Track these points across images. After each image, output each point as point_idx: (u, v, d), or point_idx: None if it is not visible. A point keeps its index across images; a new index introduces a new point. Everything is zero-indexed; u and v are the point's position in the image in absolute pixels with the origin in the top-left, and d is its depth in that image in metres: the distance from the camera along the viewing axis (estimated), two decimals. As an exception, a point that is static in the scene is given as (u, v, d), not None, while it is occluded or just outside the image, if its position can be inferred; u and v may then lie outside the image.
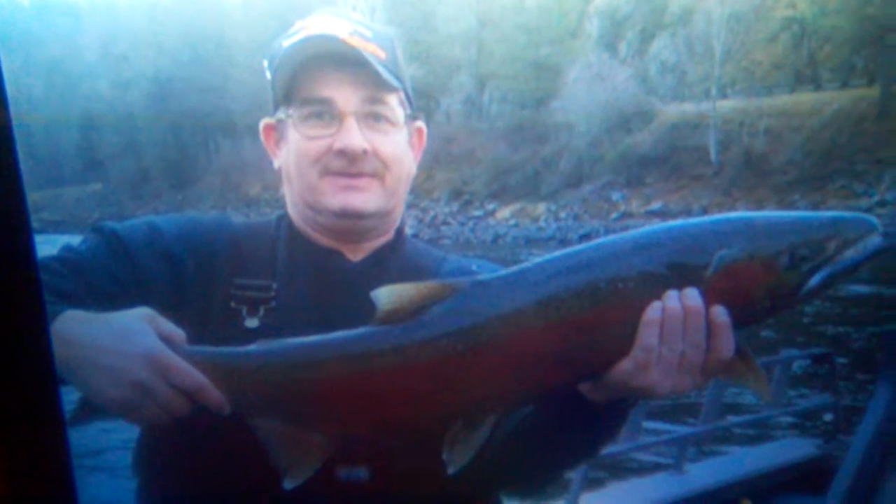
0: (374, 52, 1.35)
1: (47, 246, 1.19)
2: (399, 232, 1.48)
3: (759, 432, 7.09)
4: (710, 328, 1.12)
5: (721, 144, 37.24)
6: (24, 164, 0.57)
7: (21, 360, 0.56)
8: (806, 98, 38.14)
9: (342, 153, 1.34)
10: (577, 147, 39.63)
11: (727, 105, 38.51)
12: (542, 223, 39.03)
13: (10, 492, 0.54)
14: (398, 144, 1.40)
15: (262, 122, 1.46)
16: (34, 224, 0.60)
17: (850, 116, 35.03)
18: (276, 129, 1.43)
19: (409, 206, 1.53)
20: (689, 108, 39.92)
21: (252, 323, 1.32)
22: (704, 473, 5.41)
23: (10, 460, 0.55)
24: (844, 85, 37.49)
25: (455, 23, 42.54)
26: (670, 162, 38.31)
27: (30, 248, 0.56)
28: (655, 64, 42.04)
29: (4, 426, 0.55)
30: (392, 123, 1.38)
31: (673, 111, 40.79)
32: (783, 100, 38.27)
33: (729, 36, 38.02)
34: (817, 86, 38.59)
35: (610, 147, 39.46)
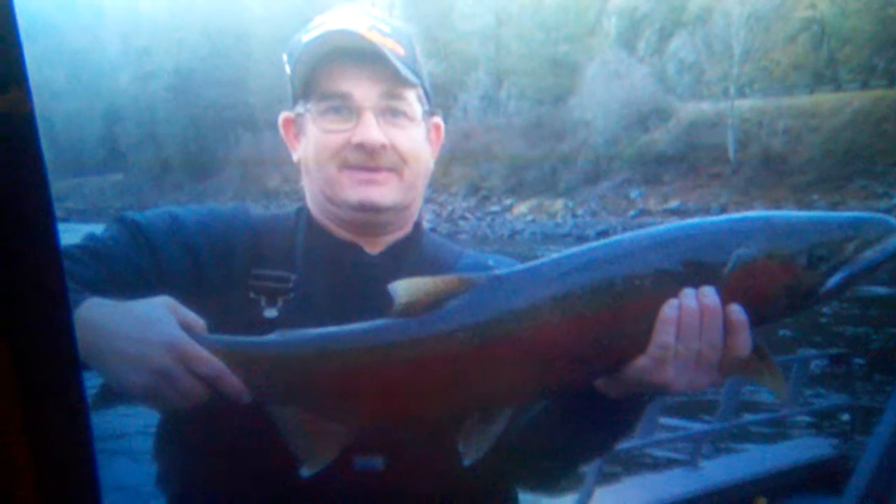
0: (392, 47, 1.35)
1: (70, 234, 1.20)
2: (417, 226, 1.49)
3: (776, 431, 7.06)
4: (727, 326, 1.12)
5: (739, 143, 37.02)
6: (48, 154, 0.58)
7: (45, 345, 0.57)
8: (825, 98, 37.84)
9: (361, 147, 1.34)
10: (594, 144, 39.50)
11: (745, 104, 38.27)
12: (559, 219, 38.93)
13: (35, 473, 0.56)
14: (416, 139, 1.41)
15: (282, 116, 1.48)
16: (58, 213, 0.61)
17: (870, 117, 34.74)
18: (296, 123, 1.44)
19: (427, 200, 1.54)
20: (707, 106, 39.69)
21: (271, 313, 1.33)
22: (720, 470, 5.40)
23: (35, 443, 0.56)
24: (864, 86, 37.17)
25: (473, 19, 42.49)
26: (688, 160, 38.12)
27: (53, 236, 0.57)
28: (674, 62, 41.83)
29: (30, 410, 0.56)
30: (410, 119, 1.39)
31: (691, 110, 40.57)
32: (802, 100, 37.98)
33: (748, 35, 37.78)
34: (837, 86, 38.28)
35: (628, 145, 39.32)
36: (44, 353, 0.56)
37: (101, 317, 1.11)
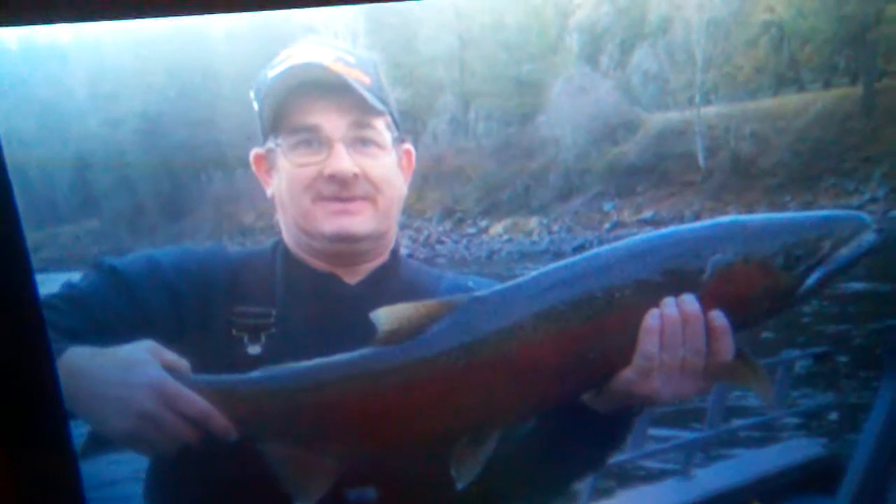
0: (358, 77, 1.36)
1: (49, 285, 1.20)
2: (394, 253, 1.49)
3: (766, 434, 7.06)
4: (709, 332, 1.13)
5: (708, 150, 37.22)
6: (21, 205, 0.58)
7: (31, 395, 0.57)
8: (790, 100, 38.12)
9: (333, 178, 1.35)
10: (564, 160, 39.56)
11: (712, 111, 38.49)
12: (535, 237, 38.87)
13: (25, 528, 0.55)
14: (388, 167, 1.41)
15: (252, 153, 1.47)
16: (34, 264, 0.61)
17: (835, 115, 35.06)
18: (267, 159, 1.44)
19: (402, 226, 1.55)
20: (674, 115, 39.87)
21: (254, 350, 1.33)
22: (713, 477, 5.40)
23: (25, 494, 0.55)
24: (827, 85, 37.49)
25: (436, 43, 42.58)
26: (659, 170, 38.25)
27: (32, 287, 0.57)
28: (637, 74, 42.06)
29: (18, 460, 0.55)
30: (380, 147, 1.40)
31: (658, 120, 40.75)
32: (767, 103, 38.25)
33: (709, 42, 38.10)
34: (800, 87, 38.59)
35: (598, 158, 39.41)
36: (30, 404, 0.56)
37: (83, 363, 1.10)
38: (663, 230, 1.22)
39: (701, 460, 5.69)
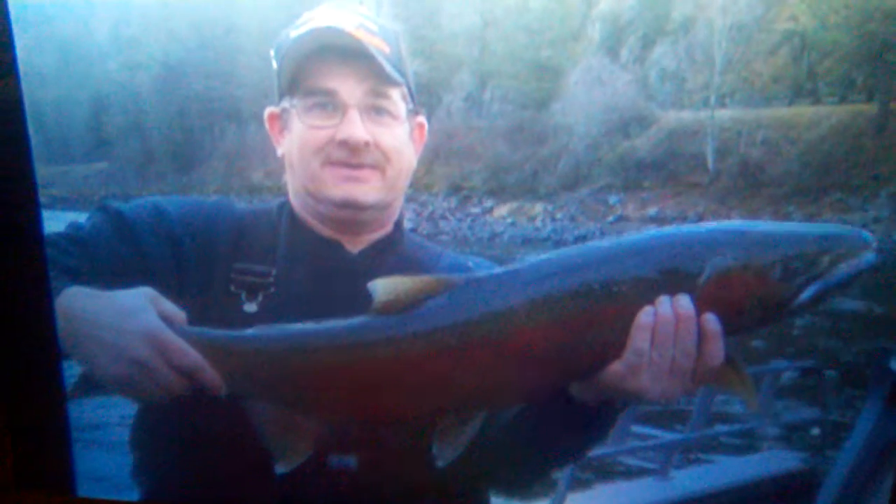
0: (378, 46, 1.36)
1: (54, 222, 1.20)
2: (398, 225, 1.50)
3: (746, 442, 7.10)
4: (700, 335, 1.13)
5: (718, 153, 37.14)
6: (35, 141, 0.58)
7: (26, 332, 0.58)
8: (804, 111, 37.99)
9: (344, 144, 1.35)
10: (575, 149, 39.49)
11: (725, 114, 38.39)
12: (538, 223, 38.88)
13: (11, 460, 0.56)
14: (399, 138, 1.41)
15: (267, 111, 1.47)
16: (42, 200, 0.61)
17: (847, 131, 34.95)
18: (281, 118, 1.44)
19: (408, 199, 1.55)
20: (688, 115, 39.77)
21: (251, 308, 1.33)
22: (690, 480, 5.44)
23: (12, 429, 0.56)
24: (843, 100, 37.36)
25: (459, 20, 42.38)
26: (667, 168, 38.20)
27: (38, 223, 0.57)
28: (656, 70, 41.89)
29: (8, 396, 0.56)
30: (394, 117, 1.39)
31: (671, 118, 40.64)
32: (781, 112, 38.13)
33: (730, 46, 37.90)
34: (816, 99, 38.45)
35: (608, 151, 39.36)
36: (24, 340, 0.56)
37: (81, 305, 1.11)
38: (665, 229, 1.22)
39: (680, 462, 5.74)
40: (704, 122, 38.13)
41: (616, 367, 1.14)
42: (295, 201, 1.45)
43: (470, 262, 1.48)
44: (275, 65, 1.43)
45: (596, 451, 4.36)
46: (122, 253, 1.30)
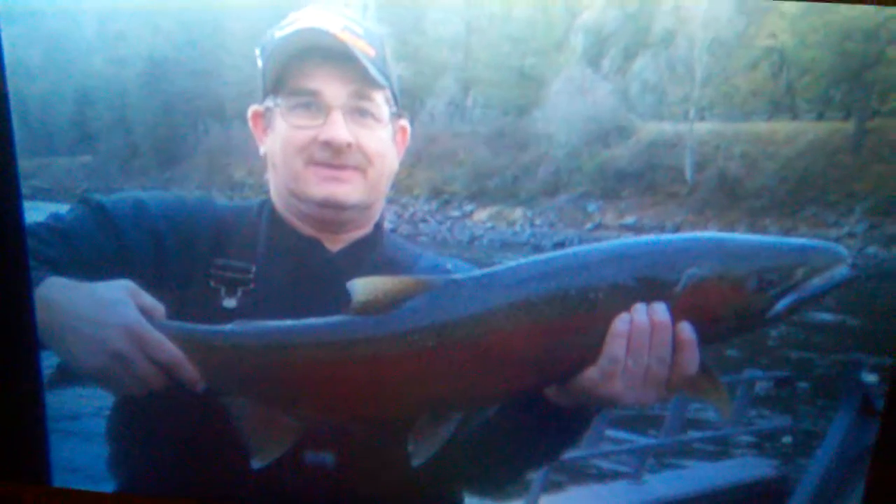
0: (363, 48, 1.36)
1: (35, 213, 1.20)
2: (378, 226, 1.50)
3: (719, 449, 7.14)
4: (675, 343, 1.14)
5: (697, 165, 37.31)
6: (18, 132, 0.59)
7: (4, 321, 0.58)
8: (782, 127, 38.24)
9: (327, 144, 1.35)
10: (555, 157, 39.55)
11: (704, 127, 38.58)
12: (517, 228, 38.90)
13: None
14: (382, 140, 1.42)
15: (251, 109, 1.48)
16: (24, 191, 0.61)
17: (824, 148, 35.21)
18: (264, 117, 1.44)
19: (389, 201, 1.55)
20: (668, 127, 39.92)
21: (230, 303, 1.34)
22: (663, 485, 5.47)
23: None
24: (821, 117, 37.61)
25: (444, 26, 42.37)
26: (646, 178, 38.33)
27: (19, 213, 0.57)
28: (637, 82, 42.03)
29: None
30: (377, 119, 1.40)
31: (651, 129, 40.78)
32: (760, 126, 38.35)
33: (710, 60, 38.11)
34: (794, 115, 38.68)
35: (588, 159, 39.45)
36: (2, 330, 0.56)
37: (60, 296, 1.11)
38: (643, 237, 1.23)
39: (653, 466, 5.76)
40: (684, 135, 38.30)
41: (591, 372, 1.15)
42: (276, 199, 1.46)
43: (449, 264, 1.49)
44: (260, 64, 1.43)
45: (570, 454, 4.37)
46: (103, 245, 1.30)
